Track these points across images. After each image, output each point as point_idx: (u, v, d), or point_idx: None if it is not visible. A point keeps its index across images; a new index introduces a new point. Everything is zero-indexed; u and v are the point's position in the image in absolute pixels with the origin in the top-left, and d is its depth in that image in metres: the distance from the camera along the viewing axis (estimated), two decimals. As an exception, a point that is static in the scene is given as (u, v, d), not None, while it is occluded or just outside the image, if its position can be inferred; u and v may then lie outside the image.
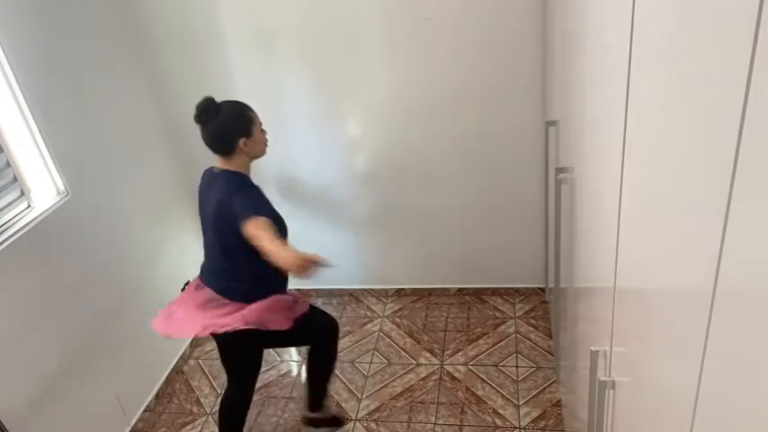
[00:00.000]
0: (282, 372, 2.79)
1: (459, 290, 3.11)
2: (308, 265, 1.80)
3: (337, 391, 2.62)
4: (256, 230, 1.79)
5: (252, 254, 1.83)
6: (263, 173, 2.92)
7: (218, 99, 2.72)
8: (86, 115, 2.34)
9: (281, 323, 1.98)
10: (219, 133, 1.91)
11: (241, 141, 1.91)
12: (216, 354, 2.93)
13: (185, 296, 2.06)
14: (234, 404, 2.21)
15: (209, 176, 2.01)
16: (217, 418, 2.26)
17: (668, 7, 0.67)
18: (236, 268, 1.98)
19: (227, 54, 2.64)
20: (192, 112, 2.88)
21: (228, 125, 1.91)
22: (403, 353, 2.79)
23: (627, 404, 1.00)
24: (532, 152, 2.62)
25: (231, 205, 1.85)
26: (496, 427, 2.33)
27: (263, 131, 1.98)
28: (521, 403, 2.41)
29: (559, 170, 1.74)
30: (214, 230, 1.96)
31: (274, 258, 1.76)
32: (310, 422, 2.41)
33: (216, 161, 1.98)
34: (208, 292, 2.00)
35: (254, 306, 1.94)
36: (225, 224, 1.88)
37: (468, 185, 2.77)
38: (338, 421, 2.43)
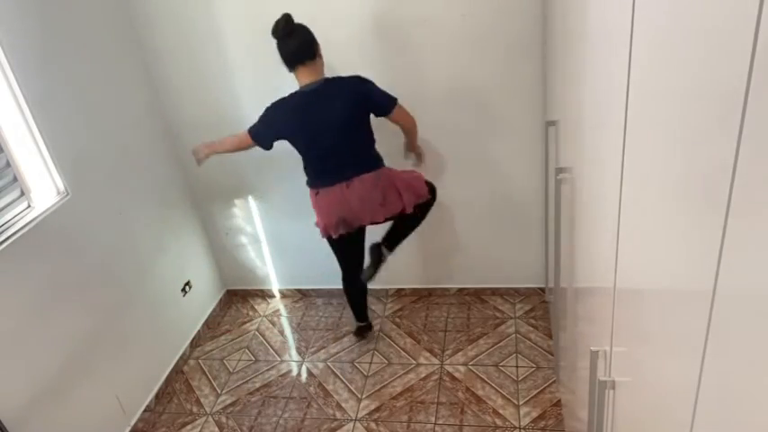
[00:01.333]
0: (282, 372, 2.79)
1: (459, 290, 3.11)
2: None
3: (337, 391, 2.62)
4: (402, 111, 2.31)
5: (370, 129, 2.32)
6: (263, 171, 2.92)
7: (219, 99, 2.74)
8: (86, 115, 2.34)
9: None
10: (306, 42, 2.18)
11: (319, 48, 2.21)
12: (216, 353, 2.94)
13: (339, 199, 2.31)
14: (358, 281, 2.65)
15: (308, 93, 2.22)
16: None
17: (668, 7, 0.67)
18: (367, 144, 2.33)
19: (227, 55, 2.64)
20: (192, 112, 2.88)
21: (309, 34, 2.19)
22: (403, 353, 2.79)
23: (627, 404, 1.00)
24: (532, 152, 2.62)
25: (371, 93, 2.24)
26: (496, 427, 2.33)
27: None
28: (521, 403, 2.42)
29: (559, 170, 1.74)
30: (347, 122, 2.24)
31: (413, 123, 2.38)
32: (361, 331, 2.87)
33: (301, 79, 2.21)
34: (358, 183, 2.28)
35: (404, 184, 2.36)
36: (366, 107, 2.26)
37: (467, 185, 2.77)
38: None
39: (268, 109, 2.30)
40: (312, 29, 2.57)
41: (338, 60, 2.56)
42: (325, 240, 2.75)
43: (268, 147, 2.38)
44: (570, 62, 1.57)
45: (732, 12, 0.49)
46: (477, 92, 2.54)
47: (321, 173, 2.35)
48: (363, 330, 2.91)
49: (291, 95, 2.26)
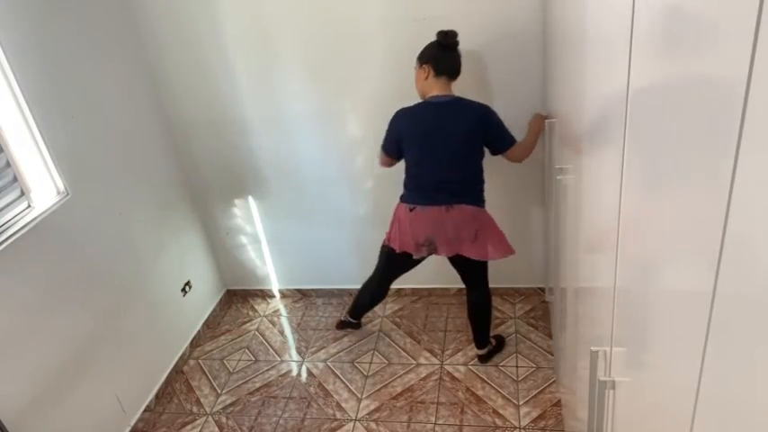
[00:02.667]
0: (282, 372, 2.79)
1: (460, 290, 3.11)
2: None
3: (337, 391, 2.62)
4: (517, 150, 2.30)
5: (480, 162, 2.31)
6: (263, 171, 2.92)
7: (219, 98, 2.74)
8: (86, 115, 2.34)
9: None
10: (459, 59, 2.24)
11: None
12: (216, 353, 2.94)
13: (431, 221, 2.29)
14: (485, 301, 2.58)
15: (436, 105, 2.23)
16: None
17: (668, 6, 0.67)
18: (478, 178, 2.32)
19: (227, 54, 2.64)
20: (193, 111, 2.88)
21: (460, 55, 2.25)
22: (403, 353, 2.79)
23: (627, 404, 1.00)
24: (532, 152, 2.61)
25: (497, 126, 2.25)
26: (496, 427, 2.33)
27: None
28: (521, 403, 2.41)
29: (559, 170, 1.74)
30: (464, 145, 2.24)
31: (527, 153, 2.35)
32: (480, 359, 2.69)
33: (435, 88, 2.23)
34: (459, 212, 2.26)
35: (498, 235, 2.37)
36: (483, 138, 2.26)
37: (468, 185, 2.77)
38: (502, 341, 2.75)
39: (393, 117, 2.32)
40: (312, 28, 2.59)
41: (332, 61, 2.56)
42: (325, 240, 2.75)
43: (396, 156, 2.37)
44: (570, 62, 1.57)
45: (732, 11, 0.49)
46: (477, 92, 2.54)
47: (425, 189, 2.29)
48: (348, 326, 2.95)
49: (419, 104, 2.27)
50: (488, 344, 2.66)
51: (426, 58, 2.22)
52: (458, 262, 2.44)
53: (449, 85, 2.24)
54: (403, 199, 2.37)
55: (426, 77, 2.23)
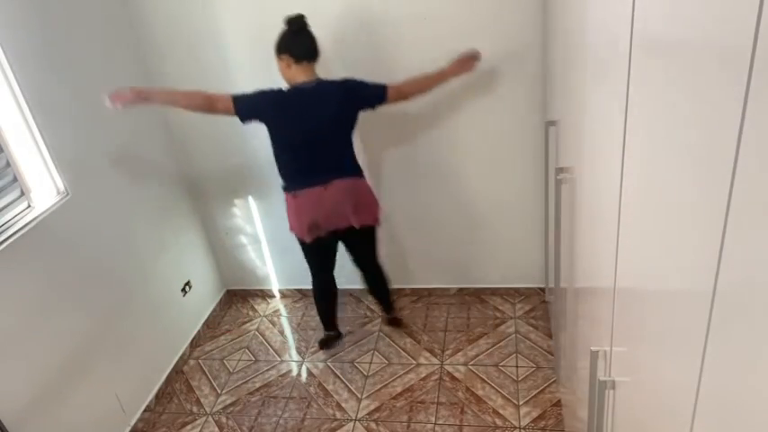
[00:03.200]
0: (282, 372, 2.79)
1: (459, 290, 3.11)
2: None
3: (337, 391, 2.62)
4: (395, 88, 2.32)
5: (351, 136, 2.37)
6: (263, 171, 2.92)
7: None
8: (86, 115, 2.34)
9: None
10: (316, 42, 2.24)
11: None
12: (216, 353, 2.94)
13: (315, 202, 2.35)
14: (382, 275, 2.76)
15: (301, 91, 2.24)
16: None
17: (668, 6, 0.67)
18: (350, 150, 2.38)
19: (226, 54, 2.64)
20: (192, 112, 2.88)
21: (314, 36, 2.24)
22: (403, 353, 2.79)
23: (627, 404, 1.00)
24: (532, 152, 2.62)
25: (361, 88, 2.29)
26: (496, 427, 2.33)
27: None
28: (521, 403, 2.42)
29: (559, 170, 1.74)
30: (335, 125, 2.30)
31: (421, 87, 2.37)
32: (393, 322, 2.93)
33: (300, 75, 2.23)
34: (335, 187, 2.33)
35: (374, 200, 2.48)
36: (358, 105, 2.32)
37: (468, 185, 2.77)
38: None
39: (264, 92, 2.24)
40: (311, 28, 2.58)
41: (334, 58, 2.56)
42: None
43: (245, 119, 2.27)
44: (570, 62, 1.57)
45: (732, 12, 0.49)
46: (477, 91, 2.54)
47: (303, 173, 2.34)
48: (331, 340, 2.89)
49: (288, 90, 2.26)
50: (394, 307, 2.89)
51: (282, 48, 2.22)
52: (350, 243, 2.59)
53: (312, 67, 2.26)
54: (285, 188, 2.39)
55: (288, 66, 2.23)
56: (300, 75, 2.24)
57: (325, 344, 2.88)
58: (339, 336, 2.91)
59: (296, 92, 2.25)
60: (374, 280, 2.76)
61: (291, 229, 2.48)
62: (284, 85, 2.28)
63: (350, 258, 2.70)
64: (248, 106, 2.25)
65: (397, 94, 2.34)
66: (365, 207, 2.43)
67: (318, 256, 2.60)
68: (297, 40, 2.22)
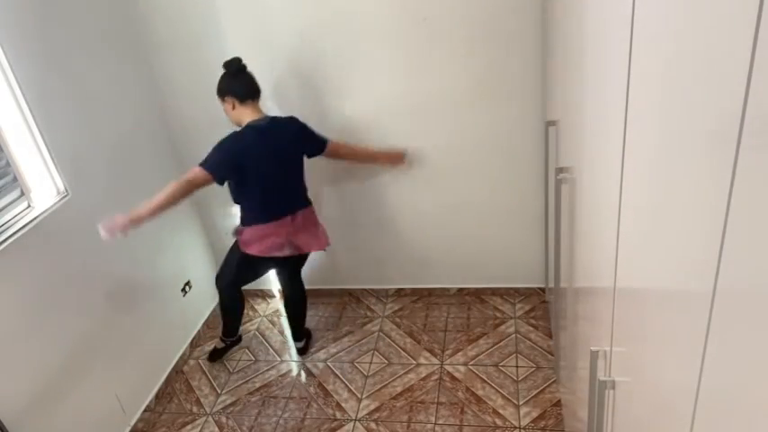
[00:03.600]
0: (282, 372, 2.79)
1: (460, 290, 3.11)
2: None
3: (337, 391, 2.62)
4: (334, 144, 2.50)
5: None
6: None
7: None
8: (86, 115, 2.34)
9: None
10: (253, 78, 2.34)
11: None
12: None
13: (286, 228, 2.45)
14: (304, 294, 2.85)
15: (259, 130, 2.31)
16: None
17: (668, 6, 0.67)
18: (303, 182, 2.51)
19: (227, 54, 2.63)
20: (193, 111, 2.88)
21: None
22: (403, 353, 2.79)
23: (627, 404, 1.00)
24: (532, 152, 2.62)
25: (308, 132, 2.45)
26: (496, 427, 2.33)
27: None
28: (521, 403, 2.41)
29: (559, 170, 1.74)
30: (291, 160, 2.43)
31: (358, 159, 2.64)
32: (304, 351, 2.89)
33: (247, 114, 2.32)
34: (300, 217, 2.47)
35: (323, 230, 2.63)
36: (303, 148, 2.46)
37: (468, 185, 2.77)
38: (311, 334, 2.99)
39: (224, 144, 2.27)
40: (311, 27, 2.59)
41: (334, 61, 2.56)
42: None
43: (223, 181, 2.30)
44: (570, 62, 1.57)
45: (732, 11, 0.49)
46: (477, 91, 2.54)
47: (269, 206, 2.41)
48: (227, 350, 2.90)
49: (246, 130, 2.30)
50: (305, 335, 2.91)
51: (225, 91, 2.31)
52: (290, 266, 2.68)
53: (257, 105, 2.36)
54: (249, 221, 2.43)
55: (234, 107, 2.31)
56: (247, 114, 2.31)
57: (217, 354, 2.89)
58: (239, 340, 2.96)
59: (254, 130, 2.30)
60: (299, 301, 2.83)
61: (245, 245, 2.46)
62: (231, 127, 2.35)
63: (280, 281, 2.85)
64: (223, 166, 2.27)
65: (334, 152, 2.52)
66: (321, 233, 2.59)
67: (252, 271, 2.68)
68: (238, 81, 2.31)
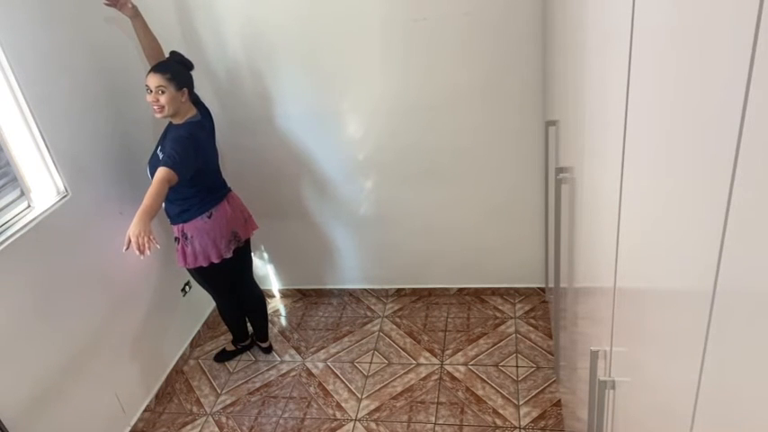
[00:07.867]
0: (282, 372, 2.79)
1: (459, 290, 3.11)
2: None
3: (337, 391, 2.62)
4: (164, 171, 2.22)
5: None
6: (262, 171, 2.92)
7: (219, 99, 2.74)
8: (87, 115, 2.34)
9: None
10: None
11: None
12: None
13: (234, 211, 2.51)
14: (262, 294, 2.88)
15: (207, 116, 2.44)
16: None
17: (668, 7, 0.67)
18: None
19: (227, 54, 2.64)
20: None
21: None
22: (403, 353, 2.79)
23: (627, 404, 1.00)
24: (532, 152, 2.62)
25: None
26: (496, 427, 2.33)
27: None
28: (521, 403, 2.41)
29: (559, 170, 1.74)
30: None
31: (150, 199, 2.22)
32: (269, 350, 2.92)
33: (190, 103, 2.34)
34: (231, 197, 2.53)
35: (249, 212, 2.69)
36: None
37: (467, 185, 2.77)
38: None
39: (194, 137, 2.25)
40: (310, 27, 2.59)
41: (332, 61, 2.56)
42: (325, 240, 2.74)
43: (187, 174, 2.21)
44: (570, 62, 1.57)
45: (732, 11, 0.49)
46: (477, 91, 2.54)
47: (213, 189, 2.43)
48: (236, 354, 2.92)
49: (201, 120, 2.36)
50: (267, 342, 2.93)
51: (187, 82, 2.30)
52: (242, 258, 2.61)
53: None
54: (198, 212, 2.38)
55: (184, 99, 2.30)
56: (191, 107, 2.35)
57: (225, 356, 2.91)
58: (252, 345, 2.96)
59: (205, 119, 2.41)
60: (259, 301, 2.82)
61: (207, 258, 2.43)
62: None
63: (237, 283, 2.72)
64: (190, 161, 2.21)
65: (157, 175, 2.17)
66: (249, 216, 2.61)
67: (233, 269, 2.56)
68: (191, 76, 2.35)
